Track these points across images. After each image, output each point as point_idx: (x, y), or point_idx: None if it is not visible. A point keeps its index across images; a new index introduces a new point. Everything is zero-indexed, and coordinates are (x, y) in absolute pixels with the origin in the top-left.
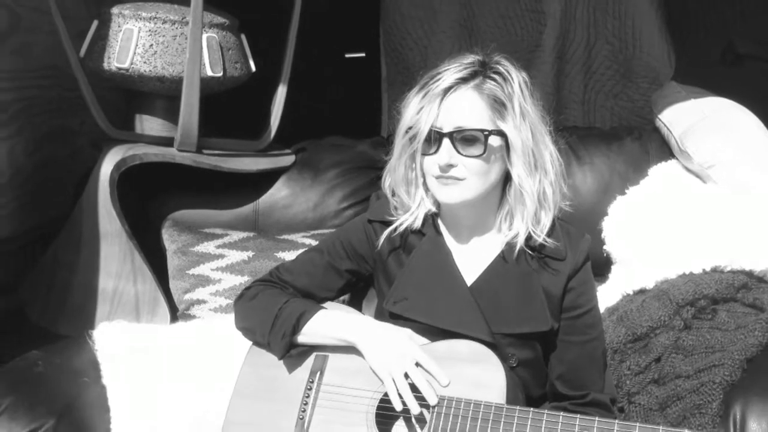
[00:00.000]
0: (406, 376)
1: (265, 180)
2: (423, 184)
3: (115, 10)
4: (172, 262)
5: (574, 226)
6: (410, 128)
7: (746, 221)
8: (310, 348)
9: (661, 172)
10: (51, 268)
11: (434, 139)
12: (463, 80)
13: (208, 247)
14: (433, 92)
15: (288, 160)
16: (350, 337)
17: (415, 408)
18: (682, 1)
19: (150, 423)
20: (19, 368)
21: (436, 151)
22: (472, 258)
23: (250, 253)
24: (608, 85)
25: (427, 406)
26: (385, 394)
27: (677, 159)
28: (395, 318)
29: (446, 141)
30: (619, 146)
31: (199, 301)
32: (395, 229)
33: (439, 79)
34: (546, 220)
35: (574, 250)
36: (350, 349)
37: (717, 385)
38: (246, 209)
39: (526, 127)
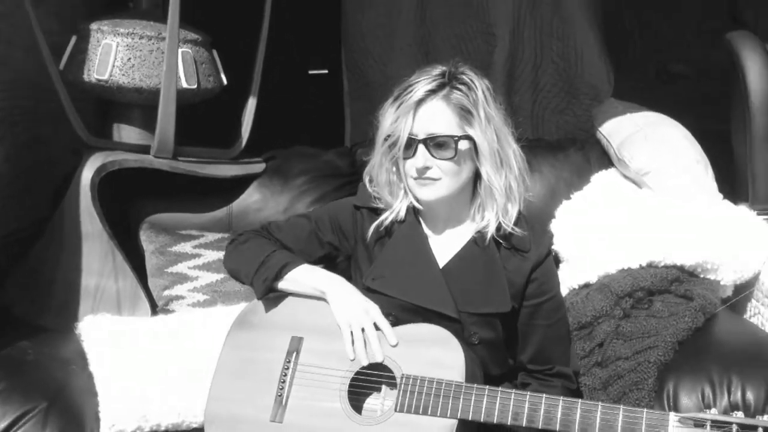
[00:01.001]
0: (363, 331)
1: (237, 185)
2: (404, 185)
3: (94, 26)
4: (150, 261)
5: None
6: (389, 136)
7: (677, 222)
8: (287, 328)
9: (601, 179)
10: (35, 266)
11: (410, 145)
12: (432, 92)
13: (185, 247)
14: (406, 103)
15: (259, 167)
16: (324, 287)
17: (363, 359)
18: (619, 26)
19: (136, 405)
20: (11, 356)
21: (413, 156)
22: (446, 244)
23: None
24: (554, 102)
25: (391, 383)
26: (357, 374)
27: (616, 167)
28: (372, 293)
29: (421, 146)
30: (564, 156)
31: (178, 297)
32: (381, 223)
33: (411, 92)
34: (513, 211)
35: (538, 244)
36: (323, 332)
37: (652, 365)
38: (220, 212)
39: (491, 129)
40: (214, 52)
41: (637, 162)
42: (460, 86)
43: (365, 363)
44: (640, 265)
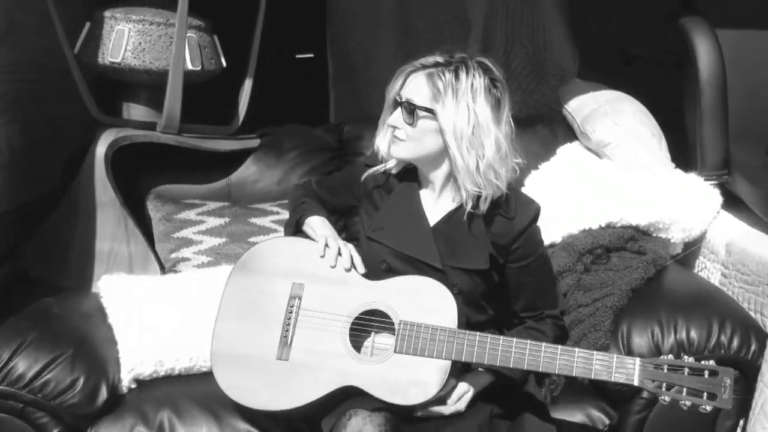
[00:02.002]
0: (340, 253)
1: (235, 159)
2: None
3: (107, 13)
4: (158, 228)
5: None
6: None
7: (633, 187)
8: (288, 274)
9: (566, 151)
10: (52, 233)
11: (394, 105)
12: (424, 66)
13: (189, 214)
14: (403, 71)
15: (255, 142)
16: (319, 233)
17: (332, 261)
18: (583, 13)
19: (152, 352)
20: (38, 310)
21: (391, 114)
22: (437, 206)
23: (227, 219)
24: (525, 83)
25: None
26: (357, 318)
27: (579, 140)
28: (372, 241)
29: (398, 108)
30: (533, 131)
31: (184, 259)
32: (375, 174)
33: (413, 63)
34: (487, 191)
35: (522, 214)
36: (325, 281)
37: (608, 309)
38: (220, 184)
39: (462, 115)
40: (215, 37)
41: (599, 135)
42: (448, 71)
43: (345, 266)
44: (600, 226)
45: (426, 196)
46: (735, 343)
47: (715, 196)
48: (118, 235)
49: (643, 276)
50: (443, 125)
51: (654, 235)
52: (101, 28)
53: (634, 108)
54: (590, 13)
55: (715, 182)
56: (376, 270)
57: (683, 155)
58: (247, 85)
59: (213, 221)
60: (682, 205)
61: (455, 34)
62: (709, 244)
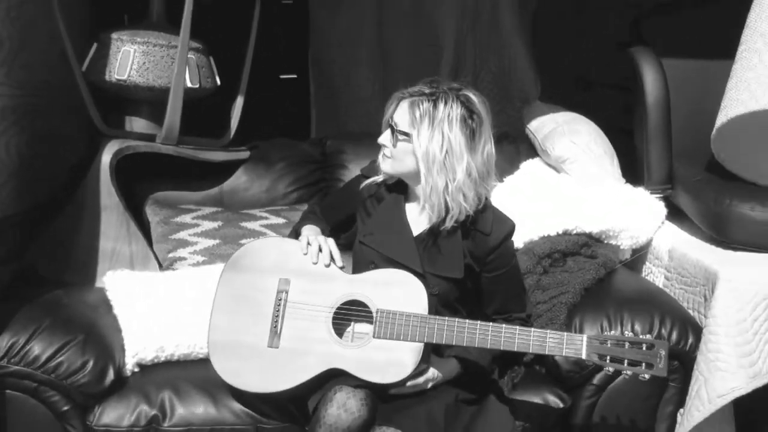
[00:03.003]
0: (320, 248)
1: (227, 169)
2: None
3: (114, 35)
4: (156, 230)
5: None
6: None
7: (587, 199)
8: (275, 271)
9: (528, 166)
10: (59, 233)
11: (385, 126)
12: (410, 95)
13: (185, 218)
14: (395, 97)
15: (245, 154)
16: (308, 237)
17: (314, 257)
18: (545, 42)
19: (154, 339)
20: (50, 300)
21: (383, 133)
22: (419, 217)
23: (220, 223)
24: (491, 104)
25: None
26: (339, 308)
27: (540, 156)
28: (363, 245)
29: (388, 129)
30: (499, 148)
31: (181, 258)
32: (370, 185)
33: (402, 91)
34: (457, 210)
35: (497, 230)
36: (310, 277)
37: (563, 305)
38: (213, 191)
39: (435, 141)
40: (210, 58)
41: (557, 152)
42: (428, 101)
43: (324, 262)
44: (557, 233)
45: (411, 208)
46: (674, 336)
47: (660, 208)
48: (120, 235)
49: (594, 277)
50: (416, 149)
51: (605, 241)
52: (108, 49)
53: (589, 128)
54: (551, 42)
55: (660, 195)
56: (365, 270)
57: (632, 171)
58: (239, 102)
59: (207, 224)
60: (630, 215)
61: (428, 59)
62: (654, 250)
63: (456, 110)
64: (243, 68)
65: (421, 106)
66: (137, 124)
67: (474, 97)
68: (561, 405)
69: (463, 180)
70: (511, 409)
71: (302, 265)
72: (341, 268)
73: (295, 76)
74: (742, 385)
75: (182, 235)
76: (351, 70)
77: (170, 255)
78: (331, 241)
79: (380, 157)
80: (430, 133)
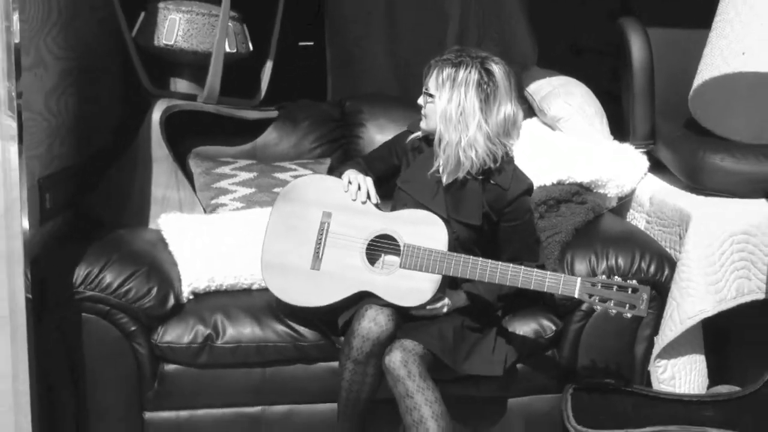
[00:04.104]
0: (359, 187)
1: (259, 126)
2: None
3: (161, 4)
4: (199, 180)
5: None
6: None
7: (579, 152)
8: (320, 204)
9: (527, 125)
10: (115, 182)
11: (424, 89)
12: (441, 61)
13: (225, 169)
14: (429, 65)
15: (274, 113)
16: (349, 176)
17: (353, 195)
18: (541, 12)
19: (205, 271)
20: (114, 237)
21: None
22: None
23: (255, 173)
24: None
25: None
26: (372, 240)
27: (537, 116)
28: (400, 190)
29: (424, 92)
30: None
31: (222, 205)
32: (414, 140)
33: (435, 58)
34: (468, 163)
35: (515, 188)
36: (349, 212)
37: (557, 243)
38: (247, 146)
39: (453, 102)
40: (244, 26)
41: (553, 112)
42: (452, 66)
43: (362, 199)
44: (552, 183)
45: (441, 160)
46: (652, 268)
47: (643, 161)
48: (170, 183)
49: (584, 219)
50: (438, 108)
51: (594, 190)
52: (156, 17)
53: (582, 90)
54: (547, 12)
55: (644, 150)
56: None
57: (619, 128)
58: (269, 65)
59: (244, 175)
60: (617, 167)
61: (435, 28)
62: (637, 198)
63: (473, 75)
64: (272, 35)
65: (444, 71)
66: (180, 85)
67: (495, 66)
68: (554, 328)
69: (474, 136)
70: (507, 340)
71: (343, 200)
72: (376, 205)
73: (312, 43)
74: (708, 309)
75: (222, 184)
76: (364, 38)
77: (212, 201)
78: (369, 180)
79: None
80: (449, 95)
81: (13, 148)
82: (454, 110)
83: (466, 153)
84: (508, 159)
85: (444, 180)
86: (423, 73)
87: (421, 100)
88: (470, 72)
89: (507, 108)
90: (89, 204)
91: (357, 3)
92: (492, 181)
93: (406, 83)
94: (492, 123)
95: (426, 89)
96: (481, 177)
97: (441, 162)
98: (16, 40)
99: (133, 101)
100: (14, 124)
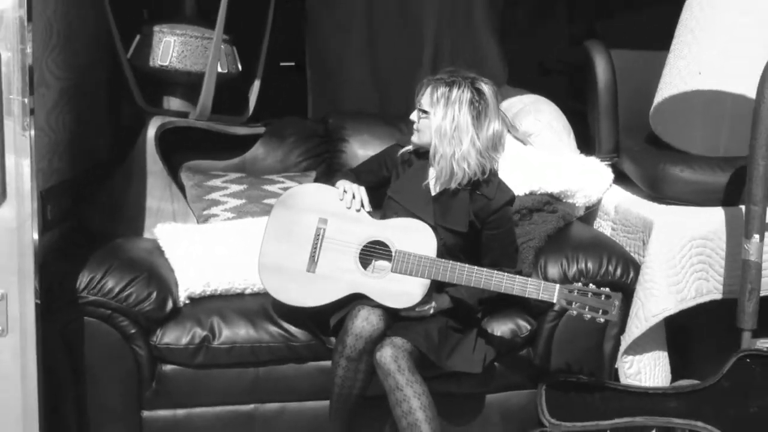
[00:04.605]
0: (354, 196)
1: (247, 142)
2: None
3: (156, 28)
4: (191, 193)
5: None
6: None
7: (548, 165)
8: (315, 211)
9: None
10: (112, 194)
11: (416, 106)
12: (433, 80)
13: (216, 182)
14: (422, 83)
15: (261, 129)
16: (344, 186)
17: (348, 203)
18: (511, 35)
19: (200, 277)
20: (114, 246)
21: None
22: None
23: (245, 186)
24: None
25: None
26: (366, 245)
27: (509, 131)
28: (390, 199)
29: (417, 109)
30: None
31: (214, 215)
32: (405, 153)
33: (428, 78)
34: (460, 175)
35: (499, 198)
36: (344, 219)
37: (531, 249)
38: (236, 160)
39: (447, 118)
40: (234, 48)
41: (524, 127)
42: (446, 85)
43: (356, 207)
44: (525, 193)
45: (432, 171)
46: (618, 271)
47: (608, 173)
48: (164, 195)
49: (555, 227)
50: (432, 124)
51: (564, 200)
52: (151, 39)
53: (550, 108)
54: (516, 36)
55: (608, 163)
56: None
57: (585, 143)
58: (257, 84)
59: (234, 187)
60: (584, 179)
61: (411, 49)
62: (603, 207)
63: (466, 94)
64: (259, 56)
65: (438, 90)
66: (173, 103)
67: (485, 86)
68: (529, 328)
69: (467, 150)
70: (487, 340)
71: (338, 208)
72: (369, 213)
73: (293, 63)
74: (670, 307)
75: (214, 195)
76: (344, 58)
77: (205, 212)
78: (362, 190)
79: (412, 130)
80: (443, 112)
81: (26, 162)
82: (449, 126)
83: (460, 165)
84: (494, 171)
85: (436, 189)
86: (415, 91)
87: (413, 116)
88: (463, 91)
89: (495, 124)
90: (86, 215)
91: (336, 26)
92: (479, 192)
93: (384, 100)
94: (483, 138)
95: (420, 106)
96: (469, 188)
97: (435, 173)
98: (30, 62)
99: (126, 118)
100: (28, 140)
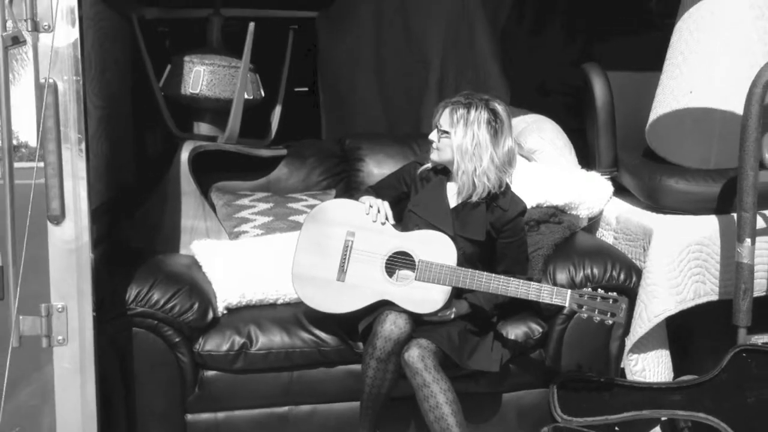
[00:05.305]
0: (379, 210)
1: (271, 163)
2: None
3: (186, 58)
4: (221, 212)
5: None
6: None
7: (552, 179)
8: (344, 225)
9: None
10: (149, 214)
11: (434, 126)
12: (452, 103)
13: (244, 201)
14: (441, 105)
15: (284, 151)
16: (369, 201)
17: (374, 217)
18: (514, 57)
19: (235, 289)
20: (155, 261)
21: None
22: (456, 194)
23: (271, 204)
24: None
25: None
26: (391, 256)
27: None
28: (411, 213)
29: (436, 129)
30: None
31: (244, 232)
32: (424, 170)
33: (446, 100)
34: (481, 189)
35: (512, 209)
36: (370, 232)
37: (540, 257)
38: (261, 181)
39: (468, 137)
40: (257, 75)
41: (529, 145)
42: (463, 107)
43: (381, 221)
44: (532, 206)
45: (451, 187)
46: (622, 276)
47: (608, 186)
48: (198, 214)
49: (562, 236)
50: (454, 143)
51: (568, 212)
52: (181, 69)
53: (552, 126)
54: (517, 58)
55: (608, 176)
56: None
57: (585, 158)
58: (278, 110)
59: (262, 205)
60: (586, 192)
61: (418, 73)
62: (605, 217)
63: (483, 115)
64: (280, 83)
65: (458, 112)
66: (202, 127)
67: (498, 106)
68: (541, 330)
69: (487, 166)
70: (502, 342)
71: (364, 222)
72: (393, 225)
73: (306, 89)
74: (671, 308)
75: (243, 213)
76: (354, 83)
77: (235, 229)
78: (386, 204)
79: (430, 149)
80: (464, 131)
81: (82, 184)
82: (470, 144)
83: (481, 180)
84: (508, 185)
85: (457, 201)
86: (433, 113)
87: (433, 136)
88: (480, 112)
89: (509, 141)
90: (125, 235)
91: (346, 53)
92: (495, 204)
93: (392, 122)
94: (500, 154)
95: (439, 126)
96: (486, 200)
97: (457, 187)
98: (83, 92)
99: (150, 145)
100: (84, 164)
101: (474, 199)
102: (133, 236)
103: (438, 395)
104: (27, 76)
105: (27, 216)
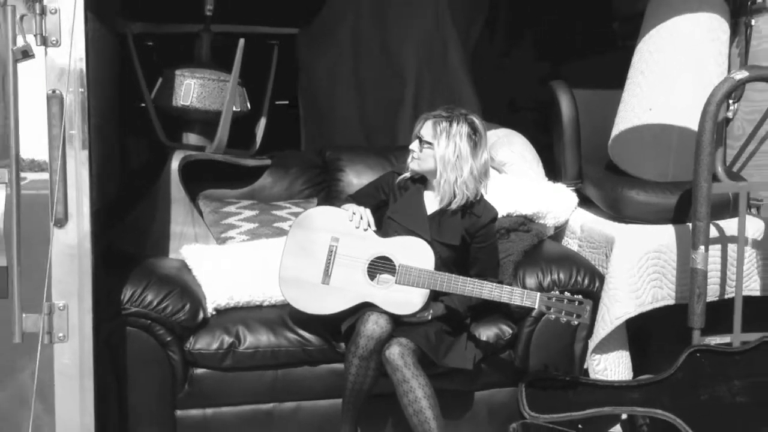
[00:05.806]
0: (361, 217)
1: (255, 172)
2: None
3: (177, 71)
4: (208, 218)
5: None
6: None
7: (521, 190)
8: (328, 231)
9: None
10: (139, 220)
11: (414, 137)
12: (434, 116)
13: (231, 208)
14: (423, 117)
15: (268, 162)
16: (351, 209)
17: (357, 223)
18: (485, 76)
19: (224, 291)
20: (148, 264)
21: (413, 142)
22: (433, 201)
23: (257, 211)
24: None
25: (390, 269)
26: (373, 260)
27: None
28: (390, 220)
29: (417, 139)
30: None
31: (230, 238)
32: (402, 179)
33: (428, 113)
34: (460, 197)
35: (485, 215)
36: (353, 237)
37: (511, 263)
38: (245, 189)
39: (450, 148)
40: (244, 89)
41: (500, 158)
42: (446, 120)
43: (364, 227)
44: (502, 215)
45: (428, 195)
46: (586, 281)
47: (573, 197)
48: (187, 221)
49: (530, 244)
50: (436, 154)
51: (536, 221)
52: (172, 82)
53: (521, 140)
54: (489, 76)
55: (573, 188)
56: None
57: (551, 171)
58: (262, 122)
59: (247, 212)
60: (553, 202)
61: (394, 88)
62: (570, 226)
63: (464, 128)
64: (265, 96)
65: (441, 124)
66: (191, 138)
67: (476, 120)
68: (511, 331)
69: (467, 176)
70: (475, 343)
71: (347, 228)
72: (375, 232)
73: (287, 102)
74: (631, 311)
75: (230, 220)
76: (333, 97)
77: (222, 235)
78: (368, 212)
79: (409, 159)
80: (446, 143)
81: (84, 189)
82: (452, 155)
83: (461, 189)
84: (482, 194)
85: (434, 208)
86: (414, 125)
87: (414, 146)
88: (461, 125)
89: (486, 154)
90: (117, 239)
91: (326, 68)
92: (470, 211)
93: (370, 134)
94: (478, 165)
95: (422, 137)
96: (461, 208)
97: (439, 195)
98: (86, 103)
99: (147, 152)
100: (86, 170)
101: (453, 207)
102: (123, 242)
103: (417, 390)
104: (35, 88)
105: (35, 221)
